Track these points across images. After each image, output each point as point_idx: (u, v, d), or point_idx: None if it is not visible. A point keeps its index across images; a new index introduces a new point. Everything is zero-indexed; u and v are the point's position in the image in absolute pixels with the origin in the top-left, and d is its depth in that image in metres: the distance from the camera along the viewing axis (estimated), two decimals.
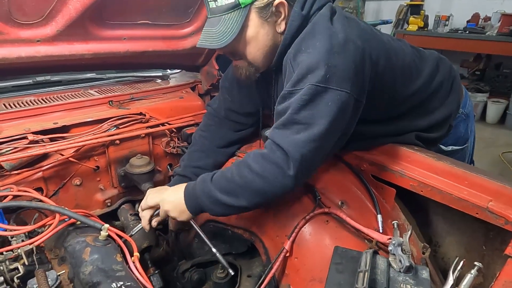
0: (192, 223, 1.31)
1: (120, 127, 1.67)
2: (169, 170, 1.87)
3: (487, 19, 5.14)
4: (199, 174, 1.29)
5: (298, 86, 1.03)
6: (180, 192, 1.20)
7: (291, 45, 1.13)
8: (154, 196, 1.27)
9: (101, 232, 1.17)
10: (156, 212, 1.31)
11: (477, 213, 1.06)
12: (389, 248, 0.98)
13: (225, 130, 1.58)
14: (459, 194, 1.10)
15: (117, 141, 1.66)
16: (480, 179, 1.09)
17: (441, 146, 1.44)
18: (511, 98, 4.99)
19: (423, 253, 1.17)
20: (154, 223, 1.33)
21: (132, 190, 1.75)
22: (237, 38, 1.12)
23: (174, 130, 1.83)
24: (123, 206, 1.73)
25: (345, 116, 1.04)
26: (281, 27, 1.17)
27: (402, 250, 0.96)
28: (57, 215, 1.20)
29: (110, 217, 1.69)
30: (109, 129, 1.64)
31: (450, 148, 1.47)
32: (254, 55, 1.20)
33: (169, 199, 1.23)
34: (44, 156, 1.50)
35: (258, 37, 1.16)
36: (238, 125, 1.57)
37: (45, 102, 1.69)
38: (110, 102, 1.77)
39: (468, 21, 5.25)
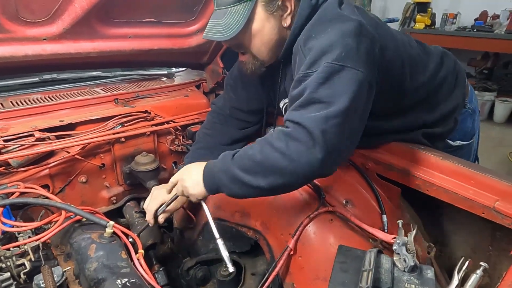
0: (203, 205, 1.25)
1: (125, 125, 1.68)
2: (174, 168, 1.88)
3: (496, 17, 5.07)
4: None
5: (313, 68, 1.00)
6: (200, 169, 1.15)
7: (300, 35, 1.12)
8: (176, 174, 1.23)
9: (106, 229, 1.18)
10: (162, 208, 1.31)
11: (483, 213, 1.05)
12: (394, 247, 0.97)
13: (229, 128, 1.57)
14: (465, 194, 1.09)
15: (123, 139, 1.66)
16: (487, 178, 1.08)
17: (448, 141, 1.43)
18: None
19: (428, 252, 1.16)
20: (161, 219, 1.32)
21: (137, 188, 1.75)
22: (242, 31, 1.12)
23: (179, 128, 1.84)
24: (128, 203, 1.73)
25: (362, 97, 1.01)
26: (287, 21, 1.17)
27: (406, 249, 0.95)
28: (63, 212, 1.21)
29: (115, 215, 1.70)
30: (114, 127, 1.65)
31: (457, 143, 1.46)
32: (259, 49, 1.20)
33: (188, 176, 1.18)
34: (51, 154, 1.51)
35: (264, 30, 1.16)
36: (242, 123, 1.57)
37: (52, 100, 1.71)
38: (116, 100, 1.78)
39: (476, 19, 5.19)
